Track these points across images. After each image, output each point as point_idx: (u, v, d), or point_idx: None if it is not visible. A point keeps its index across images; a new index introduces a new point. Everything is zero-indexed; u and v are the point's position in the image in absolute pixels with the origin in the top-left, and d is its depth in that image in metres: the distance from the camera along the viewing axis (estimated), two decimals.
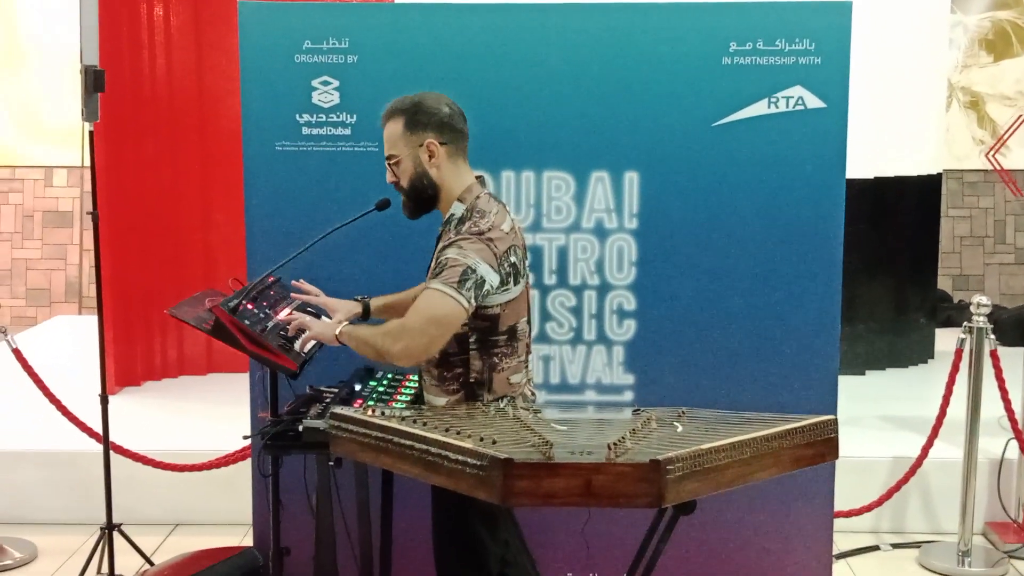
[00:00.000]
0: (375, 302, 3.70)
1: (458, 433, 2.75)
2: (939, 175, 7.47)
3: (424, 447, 2.72)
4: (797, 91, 4.11)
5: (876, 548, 5.20)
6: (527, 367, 3.42)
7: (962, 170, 9.18)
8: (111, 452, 4.65)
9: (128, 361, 6.69)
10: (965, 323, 4.99)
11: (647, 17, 4.12)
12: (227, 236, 6.72)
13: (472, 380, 3.28)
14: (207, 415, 6.03)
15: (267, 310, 3.64)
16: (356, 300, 3.69)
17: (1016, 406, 5.12)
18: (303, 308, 3.72)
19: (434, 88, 3.72)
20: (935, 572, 4.94)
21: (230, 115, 6.28)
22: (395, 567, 3.94)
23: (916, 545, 5.19)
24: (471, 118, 3.44)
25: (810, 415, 2.92)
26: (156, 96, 6.73)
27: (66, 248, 9.05)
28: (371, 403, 3.50)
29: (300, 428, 3.39)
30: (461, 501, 2.66)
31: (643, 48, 4.12)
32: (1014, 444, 5.13)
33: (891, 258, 7.20)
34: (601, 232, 4.22)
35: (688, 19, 4.11)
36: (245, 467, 4.94)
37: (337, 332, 3.32)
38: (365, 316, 3.68)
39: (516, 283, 3.26)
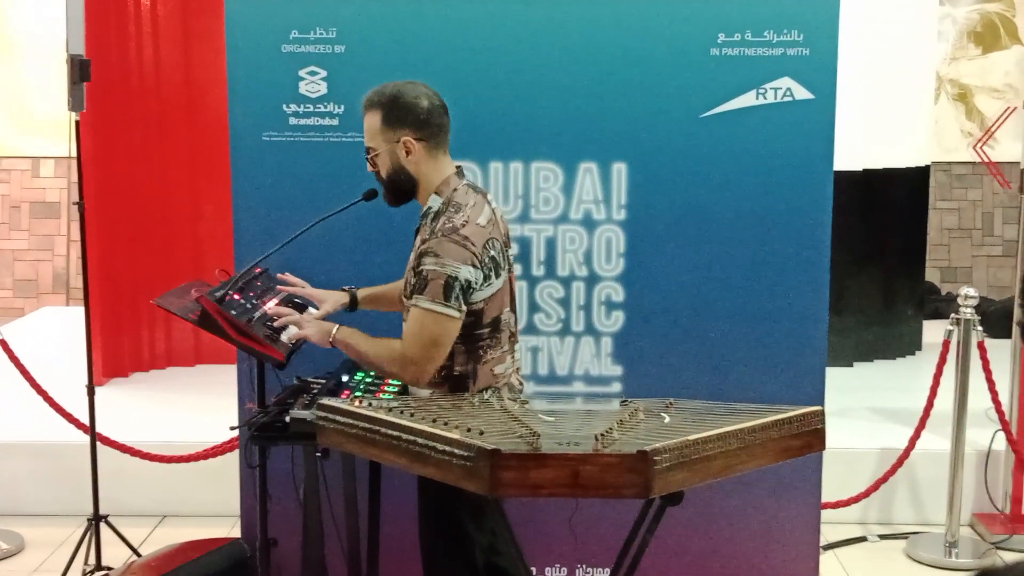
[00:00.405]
0: (362, 293, 3.70)
1: (445, 424, 2.74)
2: (927, 167, 7.48)
3: (411, 438, 2.71)
4: (785, 82, 4.10)
5: (863, 539, 5.21)
6: (513, 356, 3.42)
7: (950, 162, 9.20)
8: (98, 443, 4.64)
9: (116, 352, 6.68)
10: (953, 315, 5.01)
11: (635, 8, 4.11)
12: (215, 226, 6.70)
13: (456, 373, 3.29)
14: (195, 406, 6.02)
15: (254, 300, 3.63)
16: (343, 291, 3.69)
17: (1003, 398, 5.13)
18: (290, 299, 3.71)
19: (421, 78, 3.70)
20: (922, 563, 4.96)
21: (218, 105, 6.25)
22: (382, 558, 3.93)
23: (903, 536, 5.20)
24: (458, 109, 3.43)
25: (797, 406, 2.92)
26: (143, 86, 6.70)
27: (53, 239, 9.02)
28: (358, 394, 3.48)
29: (287, 419, 3.38)
30: (447, 491, 2.66)
31: (631, 39, 4.11)
32: (1001, 435, 5.15)
33: (879, 250, 7.21)
34: (589, 223, 4.21)
35: (676, 10, 4.10)
36: (233, 458, 4.93)
37: (331, 340, 3.36)
38: (352, 307, 3.68)
39: (497, 276, 3.27)
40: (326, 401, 3.06)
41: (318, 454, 3.34)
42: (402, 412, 2.86)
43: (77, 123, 4.53)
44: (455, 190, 3.30)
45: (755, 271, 4.20)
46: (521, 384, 3.49)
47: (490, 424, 2.77)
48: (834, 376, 4.77)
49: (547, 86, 4.13)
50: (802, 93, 4.11)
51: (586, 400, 4.14)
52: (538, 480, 2.53)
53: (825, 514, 4.60)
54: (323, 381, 3.68)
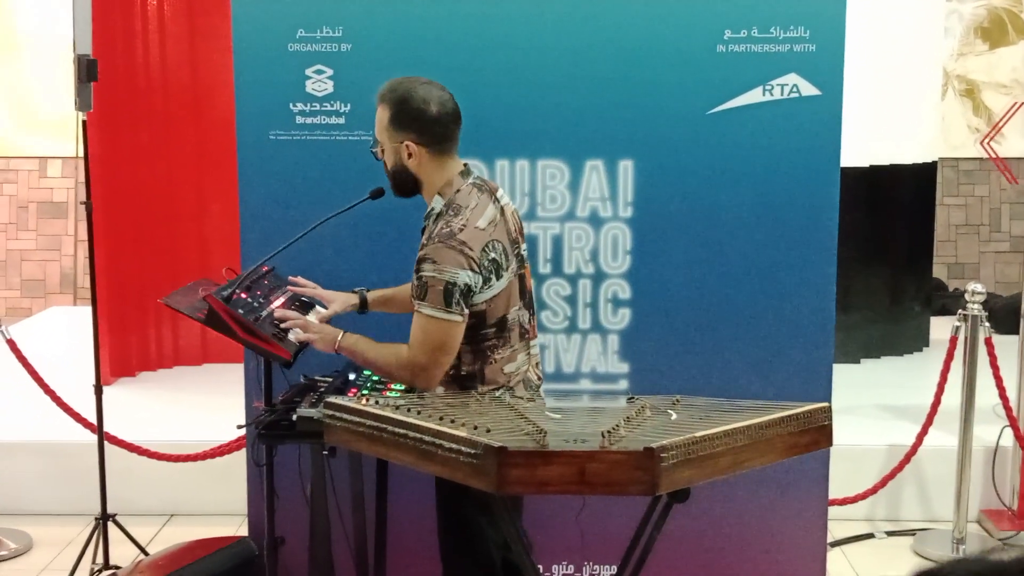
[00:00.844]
0: (372, 295, 3.70)
1: (452, 422, 2.74)
2: (934, 163, 7.47)
3: (418, 436, 2.72)
4: (792, 79, 4.10)
5: (871, 536, 5.21)
6: (529, 353, 3.42)
7: (957, 158, 9.18)
8: (106, 442, 4.65)
9: (123, 351, 6.68)
10: (960, 311, 4.99)
11: (641, 5, 4.11)
12: (222, 225, 6.71)
13: (464, 373, 3.30)
14: (202, 405, 6.03)
15: (261, 299, 3.63)
16: (354, 292, 3.69)
17: (1011, 394, 5.12)
18: (296, 298, 3.71)
19: (428, 77, 3.70)
20: (930, 560, 4.95)
21: (224, 104, 6.26)
22: (390, 556, 3.94)
23: (911, 533, 5.20)
24: (465, 107, 3.42)
25: (804, 403, 2.92)
26: (150, 85, 6.71)
27: (61, 239, 9.03)
28: (365, 392, 3.49)
29: (294, 417, 3.39)
30: (462, 487, 2.66)
31: (637, 36, 4.11)
32: (1009, 432, 5.13)
33: (886, 246, 7.20)
34: (596, 221, 4.21)
35: (682, 7, 4.10)
36: (240, 457, 4.93)
37: (336, 347, 3.38)
38: (362, 309, 3.69)
39: (499, 278, 3.26)
40: (333, 399, 3.06)
41: (325, 452, 3.34)
42: (409, 410, 2.87)
43: (84, 123, 4.54)
44: (457, 191, 3.29)
45: (762, 267, 4.19)
46: (540, 379, 3.50)
47: (497, 422, 2.77)
48: (841, 373, 4.77)
49: (553, 84, 4.13)
50: (809, 89, 4.11)
51: (593, 397, 4.14)
52: (545, 477, 2.53)
53: (832, 511, 4.60)
54: (330, 379, 3.68)
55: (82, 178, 4.66)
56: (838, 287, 4.30)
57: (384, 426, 2.82)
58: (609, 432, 2.60)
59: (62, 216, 9.00)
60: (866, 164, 6.88)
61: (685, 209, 4.18)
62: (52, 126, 8.84)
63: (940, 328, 6.76)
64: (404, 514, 4.15)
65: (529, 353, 3.43)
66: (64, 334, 7.77)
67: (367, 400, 3.02)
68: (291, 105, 4.16)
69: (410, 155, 3.28)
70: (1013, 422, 5.09)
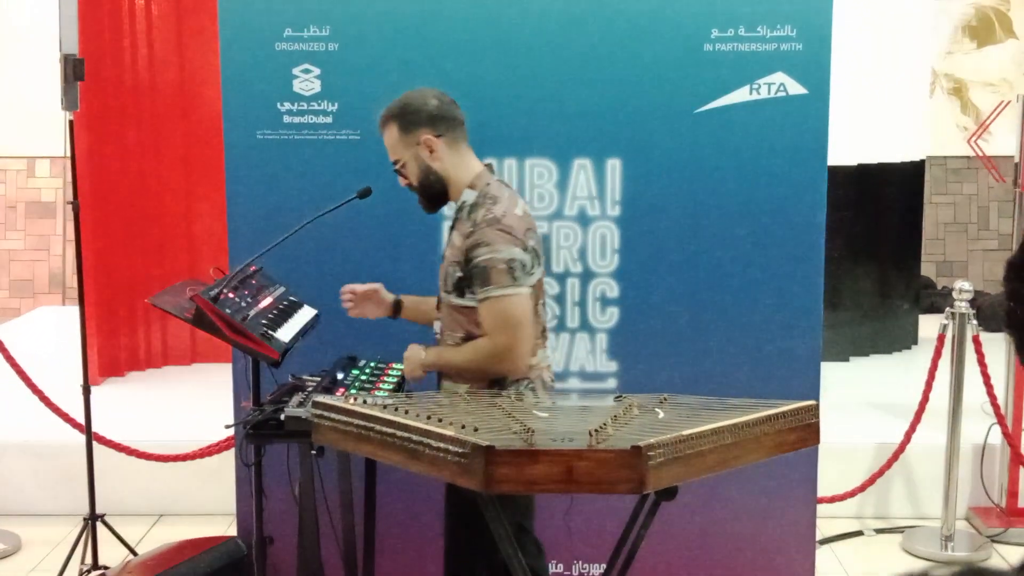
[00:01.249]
0: (406, 300, 3.72)
1: (440, 421, 2.74)
2: (922, 162, 7.49)
3: (406, 435, 2.71)
4: (779, 78, 4.11)
5: (860, 533, 5.22)
6: (545, 350, 3.45)
7: (945, 156, 9.19)
8: (95, 443, 4.64)
9: (112, 351, 6.67)
10: (948, 309, 5.01)
11: (628, 4, 4.11)
12: (210, 225, 6.70)
13: None
14: (191, 405, 6.02)
15: (248, 299, 3.63)
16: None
17: (999, 391, 5.14)
18: (283, 299, 3.71)
19: (415, 76, 3.71)
20: (918, 557, 4.96)
21: (212, 104, 6.25)
22: (378, 555, 3.94)
23: (900, 530, 5.21)
24: None
25: (792, 401, 2.92)
26: (138, 85, 6.70)
27: (49, 239, 9.01)
28: (353, 391, 3.49)
29: (282, 417, 3.38)
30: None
31: (625, 35, 4.11)
32: (997, 429, 5.15)
33: (875, 245, 7.21)
34: (584, 219, 4.21)
35: (669, 6, 4.11)
36: (229, 457, 4.93)
37: (424, 369, 3.43)
38: (395, 314, 3.69)
39: (538, 265, 3.34)
40: (321, 399, 3.06)
41: (313, 452, 3.34)
42: (397, 409, 2.86)
43: (71, 122, 4.53)
44: (488, 184, 3.36)
45: (749, 266, 4.20)
46: (552, 380, 3.51)
47: (484, 420, 2.77)
48: (830, 371, 4.78)
49: (541, 83, 4.14)
50: (796, 88, 4.12)
51: (581, 396, 4.14)
52: (532, 476, 2.53)
53: (821, 508, 4.62)
54: (318, 379, 3.68)
55: (70, 178, 4.64)
56: (827, 285, 4.31)
57: (372, 425, 2.82)
58: (596, 431, 2.61)
59: (50, 216, 8.98)
60: (854, 163, 6.89)
61: (673, 208, 4.19)
62: (40, 125, 8.80)
63: (928, 326, 6.78)
64: (393, 513, 4.15)
65: (545, 351, 3.47)
66: (53, 334, 7.75)
67: (355, 399, 3.02)
68: (278, 104, 4.16)
69: (431, 150, 3.33)
70: (1001, 420, 5.11)
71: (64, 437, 5.12)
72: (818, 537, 4.71)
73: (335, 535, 3.85)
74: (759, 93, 4.11)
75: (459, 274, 3.30)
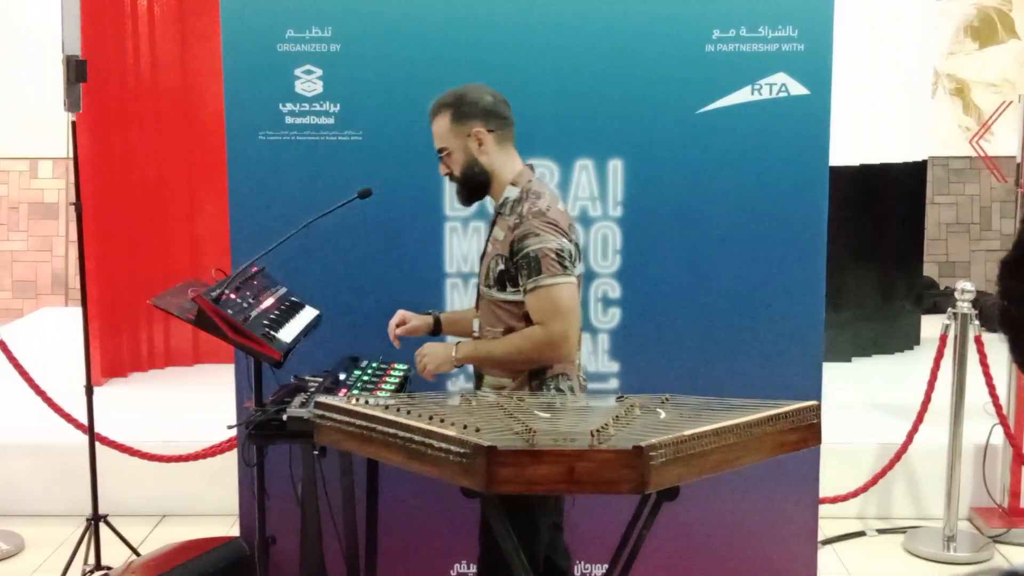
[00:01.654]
0: (445, 317, 3.73)
1: (442, 421, 2.74)
2: (924, 162, 7.49)
3: (408, 435, 2.71)
4: (780, 78, 4.11)
5: (862, 534, 5.22)
6: (579, 350, 3.47)
7: (947, 157, 9.20)
8: (97, 443, 4.64)
9: (115, 352, 6.68)
10: (950, 309, 5.01)
11: (630, 5, 4.11)
12: (213, 226, 6.71)
13: None
14: (193, 406, 6.02)
15: (250, 299, 3.64)
16: (428, 314, 3.70)
17: (1001, 391, 5.14)
18: (285, 299, 3.72)
19: (417, 77, 3.70)
20: (921, 557, 4.96)
21: (214, 105, 6.25)
22: (380, 555, 3.94)
23: (902, 531, 5.21)
24: None
25: (793, 401, 2.92)
26: (140, 86, 6.71)
27: (52, 240, 9.02)
28: (355, 392, 3.49)
29: (284, 417, 3.39)
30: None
31: (626, 36, 4.12)
32: (999, 429, 5.15)
33: (877, 245, 7.22)
34: (585, 220, 4.21)
35: (671, 7, 4.11)
36: (232, 457, 4.94)
37: (454, 362, 3.42)
38: (436, 331, 3.69)
39: (580, 259, 3.38)
40: (323, 399, 3.06)
41: (316, 452, 3.35)
42: (399, 409, 2.87)
43: (73, 124, 4.54)
44: (530, 181, 3.40)
45: (751, 266, 4.20)
46: (584, 381, 3.53)
47: (486, 421, 2.77)
48: (832, 371, 4.78)
49: (543, 83, 4.14)
50: (797, 89, 4.12)
51: (582, 396, 4.14)
52: (534, 476, 2.53)
53: (823, 509, 4.62)
54: (320, 379, 3.69)
55: (72, 179, 4.65)
56: (829, 286, 4.30)
57: (374, 426, 2.82)
58: (598, 431, 2.61)
59: (53, 217, 8.99)
60: (856, 163, 6.89)
61: (675, 208, 4.19)
62: (43, 126, 8.82)
63: (931, 326, 6.78)
64: (394, 513, 4.16)
65: (580, 350, 3.48)
66: (55, 335, 7.76)
67: (357, 400, 3.02)
68: (280, 105, 4.16)
69: (480, 143, 3.36)
70: (1003, 420, 5.11)
71: (67, 438, 5.13)
72: (820, 537, 4.71)
73: (337, 535, 3.85)
74: (761, 94, 4.12)
75: (501, 267, 3.31)
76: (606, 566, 3.31)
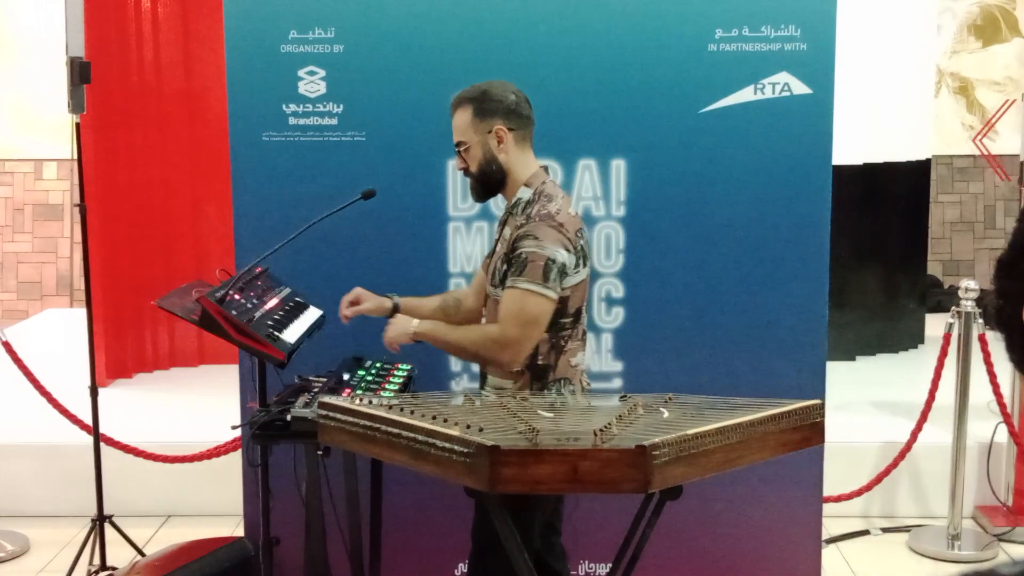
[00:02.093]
0: (403, 302, 3.69)
1: (445, 421, 2.75)
2: (928, 161, 7.48)
3: (411, 435, 2.73)
4: (783, 77, 4.11)
5: (866, 533, 5.22)
6: (583, 352, 3.46)
7: (951, 156, 9.19)
8: (102, 444, 4.65)
9: (119, 353, 6.69)
10: (953, 308, 5.00)
11: (633, 5, 4.12)
12: (217, 227, 6.72)
13: (540, 363, 3.33)
14: (198, 406, 6.03)
15: (254, 300, 3.64)
16: (387, 296, 3.68)
17: (1005, 390, 5.14)
18: (290, 299, 3.72)
19: (419, 77, 3.70)
20: (925, 556, 4.96)
21: (218, 106, 6.27)
22: (384, 555, 3.95)
23: (906, 529, 5.21)
24: None
25: (797, 400, 2.93)
26: (144, 87, 6.72)
27: (56, 241, 9.04)
28: (359, 392, 3.50)
29: (288, 418, 3.40)
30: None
31: (629, 35, 4.12)
32: (1003, 428, 5.14)
33: (881, 244, 7.21)
34: (589, 220, 4.21)
35: (673, 6, 4.11)
36: (236, 458, 4.94)
37: (413, 334, 3.41)
38: (393, 315, 3.68)
39: (585, 265, 3.35)
40: (327, 399, 3.07)
41: (319, 452, 3.35)
42: (402, 409, 2.88)
43: (78, 125, 4.55)
44: (544, 183, 3.40)
45: (754, 266, 4.20)
46: (588, 384, 3.52)
47: (489, 420, 2.78)
48: (836, 370, 4.78)
49: (545, 84, 4.13)
50: (800, 88, 4.12)
51: (586, 396, 4.14)
52: (537, 475, 2.54)
53: (827, 508, 4.61)
54: (324, 379, 3.69)
55: (77, 180, 4.66)
56: (833, 285, 4.30)
57: (378, 426, 2.83)
58: (601, 430, 2.61)
59: (58, 218, 9.01)
60: (860, 162, 6.89)
61: (677, 208, 4.19)
62: (48, 128, 8.84)
63: (935, 325, 6.77)
64: (398, 513, 4.16)
65: (584, 354, 3.48)
66: (60, 336, 7.77)
67: (361, 400, 3.03)
68: (284, 106, 4.17)
69: (500, 141, 3.35)
70: (1007, 418, 5.10)
71: (72, 438, 5.14)
72: (824, 536, 4.71)
73: (341, 535, 3.86)
74: (763, 93, 4.12)
75: (505, 267, 3.30)
76: (610, 565, 3.32)
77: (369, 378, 3.68)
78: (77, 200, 4.57)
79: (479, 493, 2.67)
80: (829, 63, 4.10)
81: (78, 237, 8.77)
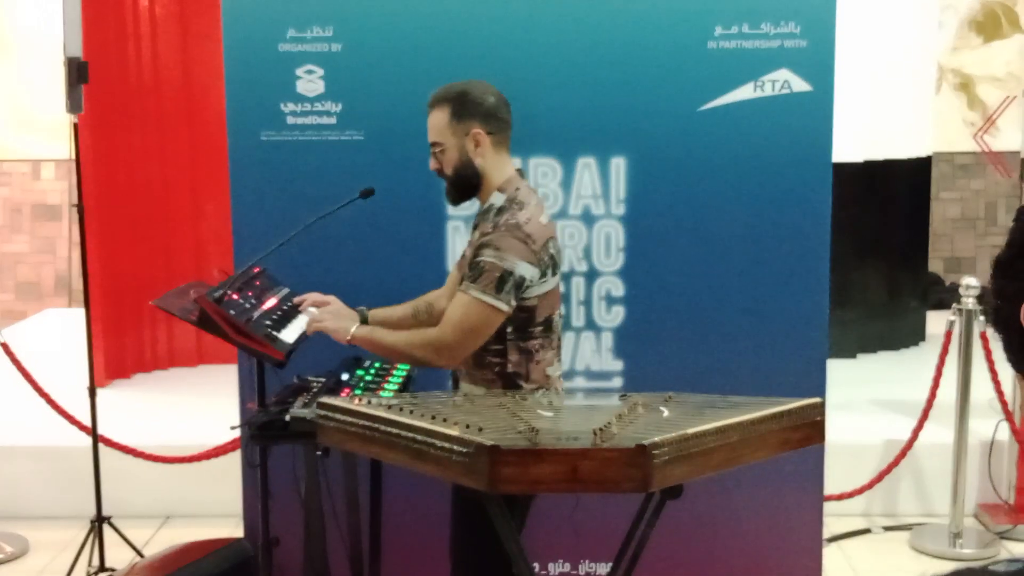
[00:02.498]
0: (373, 314, 3.66)
1: (444, 420, 2.74)
2: (929, 158, 7.47)
3: (411, 435, 2.71)
4: (783, 74, 4.10)
5: (868, 531, 5.21)
6: (559, 363, 3.42)
7: (952, 152, 9.18)
8: (101, 445, 4.64)
9: (118, 353, 6.68)
10: (955, 305, 4.99)
11: (632, 2, 4.10)
12: (216, 227, 6.71)
13: (510, 371, 3.28)
14: (197, 407, 6.02)
15: (253, 300, 3.63)
16: (356, 310, 3.65)
17: (1006, 388, 5.12)
18: (288, 299, 3.71)
19: (418, 76, 3.69)
20: (927, 554, 4.95)
21: (217, 105, 6.22)
22: (384, 555, 3.93)
23: (908, 527, 5.20)
24: None
25: (797, 398, 2.91)
26: (142, 87, 6.71)
27: (55, 241, 9.03)
28: (358, 392, 3.49)
29: (287, 418, 3.38)
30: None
31: (628, 33, 4.10)
32: (1004, 426, 5.14)
33: (882, 241, 7.20)
34: (588, 218, 4.21)
35: (673, 4, 4.09)
36: (235, 458, 4.93)
37: (350, 336, 3.36)
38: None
39: (553, 274, 3.29)
40: (326, 399, 3.05)
41: (319, 452, 3.34)
42: (401, 409, 2.86)
43: (75, 125, 4.53)
44: (518, 189, 3.32)
45: (755, 263, 4.19)
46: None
47: (489, 420, 2.76)
48: (838, 368, 4.76)
49: (545, 82, 4.13)
50: (800, 85, 4.10)
51: (585, 395, 4.13)
52: (537, 475, 2.52)
53: (829, 506, 4.60)
54: (323, 380, 3.68)
55: (75, 180, 4.65)
56: (834, 282, 4.29)
57: (377, 426, 2.81)
58: (601, 430, 2.60)
59: (56, 219, 9.00)
60: (861, 159, 6.88)
61: (678, 206, 4.18)
62: (46, 128, 8.83)
63: (936, 322, 6.77)
64: (398, 513, 4.15)
65: (558, 366, 3.43)
66: (59, 336, 7.77)
67: (360, 400, 3.01)
68: (282, 105, 4.15)
69: (477, 144, 3.28)
70: (1008, 416, 5.09)
71: (70, 439, 5.14)
72: (826, 535, 4.70)
73: (341, 535, 3.84)
74: (763, 90, 4.10)
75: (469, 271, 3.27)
76: (610, 564, 3.30)
77: (368, 378, 3.67)
78: (75, 200, 4.56)
79: (471, 499, 2.65)
80: (829, 60, 4.09)
81: (76, 237, 8.76)
